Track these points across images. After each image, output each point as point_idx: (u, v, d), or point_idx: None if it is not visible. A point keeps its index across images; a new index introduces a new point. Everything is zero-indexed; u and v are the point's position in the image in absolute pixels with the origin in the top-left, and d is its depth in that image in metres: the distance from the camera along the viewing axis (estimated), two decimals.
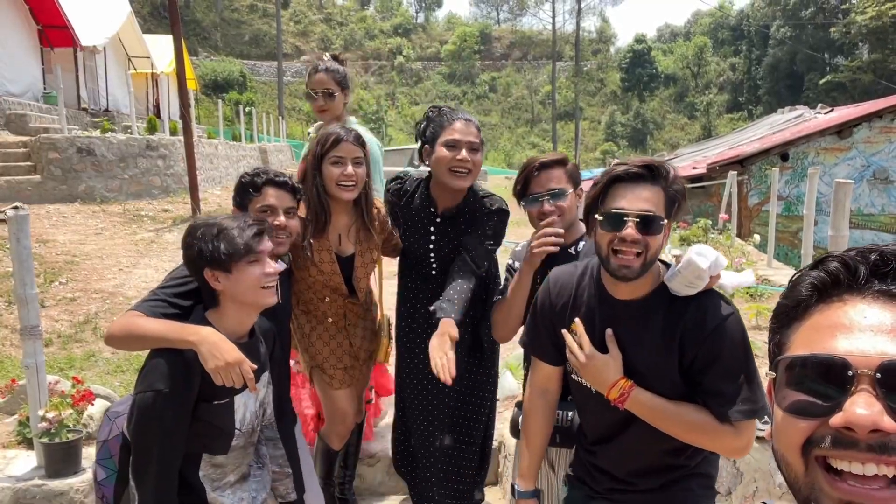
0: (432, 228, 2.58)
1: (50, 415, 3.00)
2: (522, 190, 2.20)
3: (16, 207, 2.72)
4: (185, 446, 1.74)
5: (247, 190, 2.14)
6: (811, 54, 43.63)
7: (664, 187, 1.61)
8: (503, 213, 2.57)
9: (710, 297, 1.64)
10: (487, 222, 2.53)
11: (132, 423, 1.72)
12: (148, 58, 19.09)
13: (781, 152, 11.53)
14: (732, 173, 10.02)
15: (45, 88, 14.44)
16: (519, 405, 2.30)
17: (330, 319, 2.62)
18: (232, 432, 1.82)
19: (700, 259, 1.57)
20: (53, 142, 10.12)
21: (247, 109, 22.36)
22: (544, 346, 1.86)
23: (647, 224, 1.57)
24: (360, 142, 2.44)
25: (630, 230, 1.56)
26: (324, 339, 2.64)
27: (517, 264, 2.29)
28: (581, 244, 2.19)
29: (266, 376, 1.94)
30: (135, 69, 18.93)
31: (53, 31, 14.72)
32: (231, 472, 1.87)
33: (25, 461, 3.15)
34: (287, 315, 2.40)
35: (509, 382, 4.16)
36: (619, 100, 49.89)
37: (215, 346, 1.71)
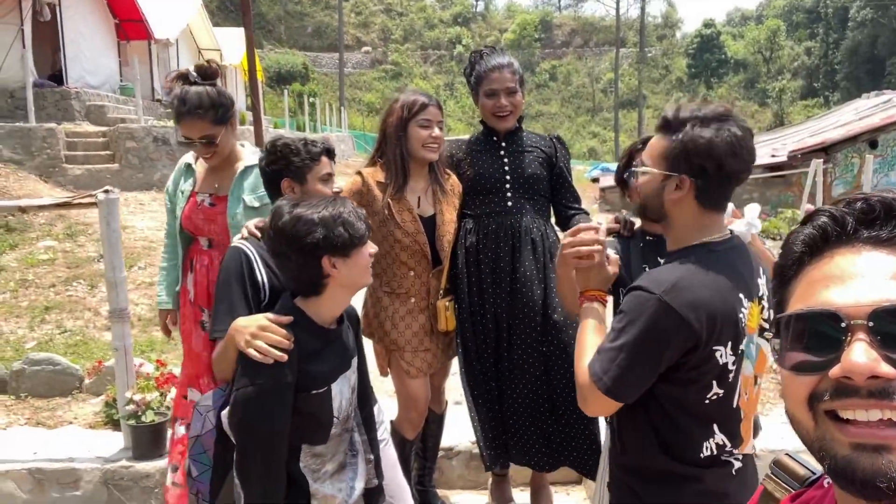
0: (502, 153, 2.71)
1: (136, 397, 3.03)
2: (626, 166, 2.08)
3: (106, 191, 2.74)
4: (287, 439, 1.69)
5: (304, 160, 2.07)
6: (894, 37, 40.94)
7: (669, 134, 1.52)
8: (561, 140, 2.86)
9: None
10: (553, 143, 2.79)
11: (235, 420, 1.68)
12: (218, 50, 19.58)
13: (870, 139, 10.82)
14: (816, 161, 9.44)
15: (121, 81, 14.98)
16: None
17: (413, 300, 2.61)
18: (331, 421, 1.77)
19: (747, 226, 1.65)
20: (131, 131, 10.48)
21: (310, 100, 22.68)
22: None
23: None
24: (440, 107, 2.62)
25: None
26: (406, 321, 2.61)
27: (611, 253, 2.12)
28: None
29: (355, 362, 1.89)
30: (205, 61, 19.46)
31: (129, 25, 15.24)
32: (329, 461, 1.82)
33: (113, 441, 3.20)
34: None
35: None
36: (685, 87, 48.24)
37: (236, 330, 1.71)
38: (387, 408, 2.62)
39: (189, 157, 2.65)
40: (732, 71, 48.62)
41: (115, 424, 3.42)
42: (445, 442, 3.20)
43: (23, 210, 3.15)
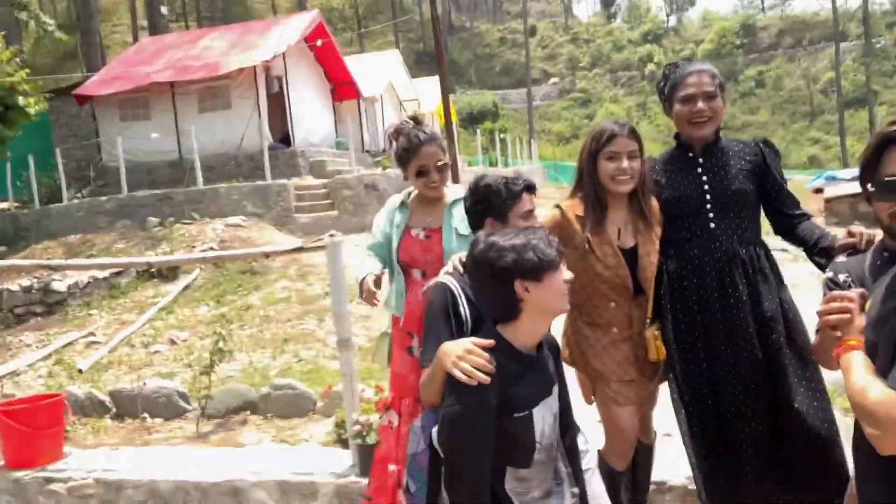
0: (700, 170, 2.53)
1: (361, 419, 3.35)
2: (872, 168, 1.63)
3: (332, 235, 3.11)
4: (492, 460, 1.76)
5: (504, 199, 2.18)
6: None
7: None
8: (769, 142, 2.60)
9: None
10: (760, 149, 2.55)
11: (443, 436, 1.78)
12: (416, 100, 21.18)
13: None
14: None
15: (336, 137, 16.82)
16: None
17: (615, 329, 2.54)
18: (533, 446, 1.81)
19: None
20: (346, 181, 11.72)
21: (501, 136, 23.41)
22: None
23: None
24: (633, 134, 2.46)
25: None
26: (609, 352, 2.55)
27: (842, 277, 1.85)
28: None
29: (556, 389, 1.92)
30: (405, 111, 21.11)
31: (342, 87, 17.09)
32: (535, 487, 1.86)
33: (343, 458, 3.56)
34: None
35: None
36: None
37: (444, 353, 1.81)
38: (594, 437, 2.59)
39: (401, 196, 2.89)
40: None
41: (343, 443, 3.79)
42: (657, 476, 3.05)
43: (267, 255, 3.68)
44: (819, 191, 15.74)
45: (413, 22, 50.16)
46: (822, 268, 2.23)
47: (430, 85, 20.43)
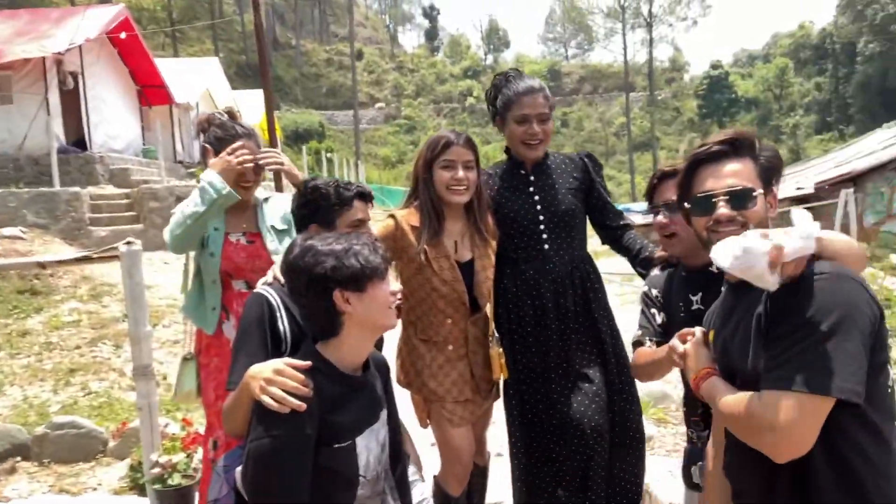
0: (532, 189, 2.54)
1: (162, 459, 2.87)
2: (687, 188, 1.88)
3: (129, 242, 2.65)
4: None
5: (332, 204, 1.98)
6: None
7: (753, 157, 1.51)
8: (592, 156, 2.67)
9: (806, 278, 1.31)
10: (584, 164, 2.60)
11: (247, 476, 1.50)
12: (237, 112, 20.04)
13: None
14: (846, 191, 9.24)
15: (144, 144, 15.32)
16: (691, 453, 1.98)
17: (450, 347, 2.44)
18: (356, 480, 1.59)
19: (719, 259, 1.36)
20: (154, 192, 10.60)
21: (328, 156, 23.02)
22: None
23: (740, 199, 1.46)
24: (470, 144, 2.39)
25: (722, 210, 1.46)
26: (445, 370, 2.45)
27: (654, 292, 2.09)
28: None
29: (384, 415, 1.71)
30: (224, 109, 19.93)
31: (151, 91, 15.66)
32: None
33: None
34: (381, 348, 2.19)
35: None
36: (697, 127, 48.42)
37: (251, 375, 1.56)
38: (429, 462, 2.43)
39: None
40: (744, 109, 48.78)
41: (141, 489, 3.25)
42: (491, 497, 2.99)
43: (42, 266, 3.07)
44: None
45: (234, 32, 48.01)
46: (644, 276, 2.38)
47: (253, 98, 19.47)
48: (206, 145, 2.49)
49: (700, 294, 1.91)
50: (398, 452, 1.82)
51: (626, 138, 45.31)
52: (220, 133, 2.44)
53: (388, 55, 57.13)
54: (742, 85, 49.99)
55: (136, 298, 2.86)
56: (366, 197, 2.06)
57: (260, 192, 2.63)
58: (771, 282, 1.28)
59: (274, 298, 1.82)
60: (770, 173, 1.52)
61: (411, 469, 2.13)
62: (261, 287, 1.89)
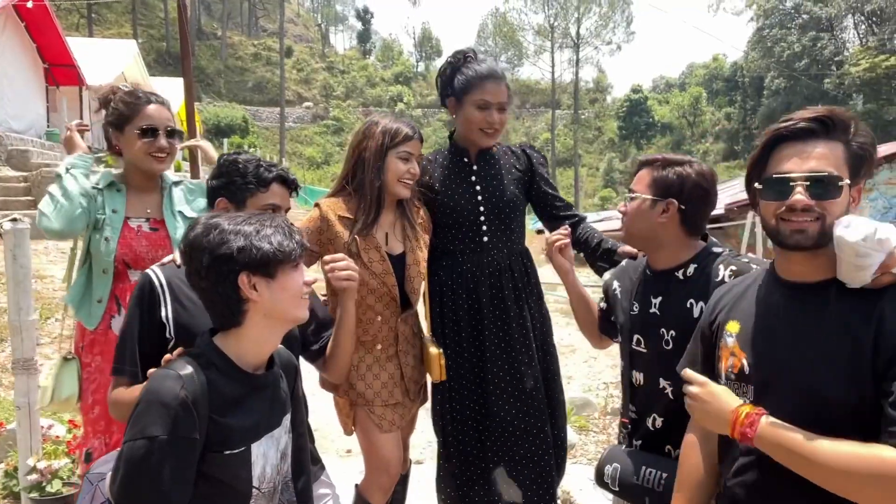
0: (473, 178, 2.45)
1: (41, 464, 2.57)
2: (761, 167, 1.83)
3: (14, 220, 2.36)
4: None
5: (247, 182, 1.80)
6: (806, 104, 44.21)
7: (845, 141, 1.32)
8: (534, 148, 2.60)
9: None
10: (527, 156, 2.54)
11: (117, 481, 1.30)
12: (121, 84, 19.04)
13: None
14: (753, 213, 9.75)
15: (48, 126, 14.27)
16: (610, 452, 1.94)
17: (379, 346, 2.30)
18: (249, 491, 1.41)
19: (847, 232, 1.25)
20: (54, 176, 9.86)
21: (250, 151, 22.32)
22: (703, 375, 1.51)
23: (822, 186, 1.29)
24: (421, 139, 2.32)
25: (799, 196, 1.29)
26: (374, 371, 2.31)
27: (616, 286, 2.01)
28: (691, 268, 1.78)
29: (287, 420, 1.54)
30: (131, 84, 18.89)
31: (60, 70, 14.66)
32: None
33: None
34: (298, 346, 2.04)
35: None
36: (616, 147, 50.40)
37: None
38: (342, 470, 2.27)
39: (103, 175, 2.31)
40: (660, 133, 51.19)
41: (16, 497, 2.91)
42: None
43: None
44: (540, 231, 17.97)
45: (156, 17, 45.90)
46: (601, 273, 2.31)
47: (172, 86, 18.55)
48: (108, 126, 2.25)
49: (660, 298, 1.80)
50: (302, 463, 1.64)
51: (550, 153, 46.51)
52: (126, 99, 2.21)
53: (319, 54, 56.22)
54: (659, 110, 52.46)
55: (20, 283, 2.55)
56: (287, 182, 1.88)
57: (171, 175, 2.40)
58: (864, 279, 1.23)
59: (158, 279, 1.66)
60: (860, 162, 1.33)
61: (324, 478, 1.97)
62: (152, 267, 1.73)
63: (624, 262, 2.08)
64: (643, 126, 50.12)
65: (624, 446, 1.91)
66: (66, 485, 2.59)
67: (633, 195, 1.81)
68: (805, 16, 45.11)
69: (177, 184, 2.40)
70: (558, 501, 2.75)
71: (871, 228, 1.24)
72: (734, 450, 1.41)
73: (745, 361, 1.38)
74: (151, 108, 2.20)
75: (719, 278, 1.72)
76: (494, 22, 59.72)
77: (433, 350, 2.31)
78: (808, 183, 1.29)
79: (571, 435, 3.61)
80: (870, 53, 39.97)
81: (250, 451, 1.40)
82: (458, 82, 2.38)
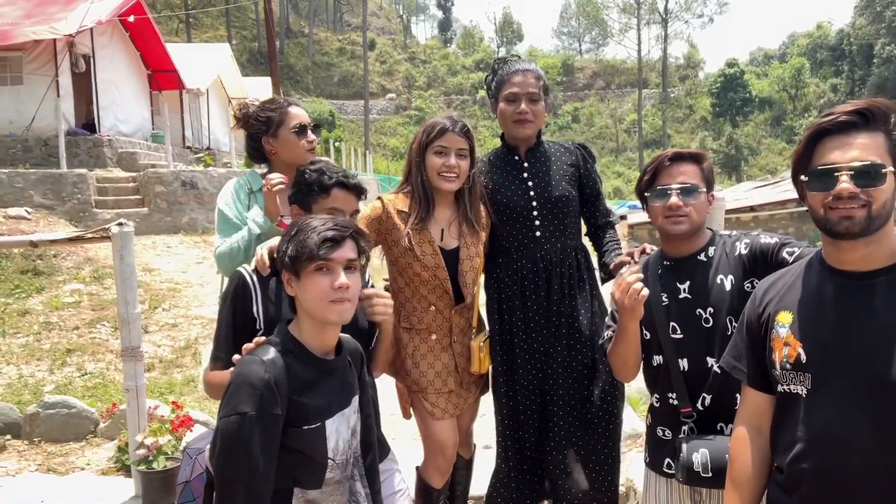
0: (525, 175, 2.51)
1: (148, 441, 2.86)
2: (649, 182, 1.93)
3: (120, 224, 2.63)
4: (275, 479, 1.52)
5: (311, 188, 1.97)
6: None
7: (886, 131, 1.37)
8: (586, 147, 2.64)
9: None
10: (579, 153, 2.59)
11: (215, 452, 1.50)
12: (246, 98, 20.03)
13: None
14: None
15: (153, 128, 15.33)
16: (665, 445, 1.93)
17: (434, 336, 2.40)
18: (325, 462, 1.59)
19: None
20: (160, 176, 10.62)
21: (336, 145, 22.99)
22: (750, 368, 1.55)
23: (866, 175, 1.33)
24: (465, 132, 2.35)
25: (845, 185, 1.33)
26: (428, 360, 2.41)
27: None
28: (711, 250, 1.88)
29: (356, 401, 1.71)
30: (234, 109, 19.90)
31: (161, 76, 15.67)
32: None
33: (123, 489, 3.02)
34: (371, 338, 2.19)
35: (629, 419, 3.72)
36: (709, 126, 48.05)
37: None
38: (413, 453, 2.41)
39: (246, 179, 2.47)
40: (758, 109, 48.35)
41: (127, 471, 3.25)
42: (475, 490, 2.96)
43: (34, 245, 3.04)
44: (623, 217, 17.48)
45: (248, 20, 48.01)
46: (603, 281, 2.45)
47: (263, 85, 19.48)
48: (260, 134, 2.40)
49: (688, 282, 1.86)
50: (370, 441, 1.80)
51: (637, 135, 45.05)
52: (272, 107, 2.40)
53: (401, 46, 56.96)
54: (757, 84, 49.50)
55: (126, 279, 2.84)
56: (350, 187, 1.99)
57: None
58: None
59: (250, 277, 1.84)
60: None
61: (390, 457, 2.11)
62: (243, 266, 1.91)
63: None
64: (739, 102, 47.48)
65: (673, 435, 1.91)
66: (169, 459, 2.87)
67: (700, 189, 1.87)
68: None
69: None
70: (622, 488, 2.77)
71: None
72: (792, 435, 1.41)
73: (800, 351, 1.40)
74: (294, 109, 2.40)
75: (737, 252, 1.84)
76: (578, 1, 58.23)
77: (472, 343, 2.40)
78: (852, 172, 1.33)
79: (637, 423, 3.59)
80: None
81: (325, 427, 1.57)
82: (493, 84, 2.52)
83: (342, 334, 1.71)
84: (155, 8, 30.60)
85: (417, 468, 2.56)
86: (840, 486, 1.33)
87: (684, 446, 1.81)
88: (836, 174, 1.34)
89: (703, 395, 1.84)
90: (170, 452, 2.91)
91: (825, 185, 1.36)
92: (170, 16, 36.89)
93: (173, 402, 3.45)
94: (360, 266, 1.68)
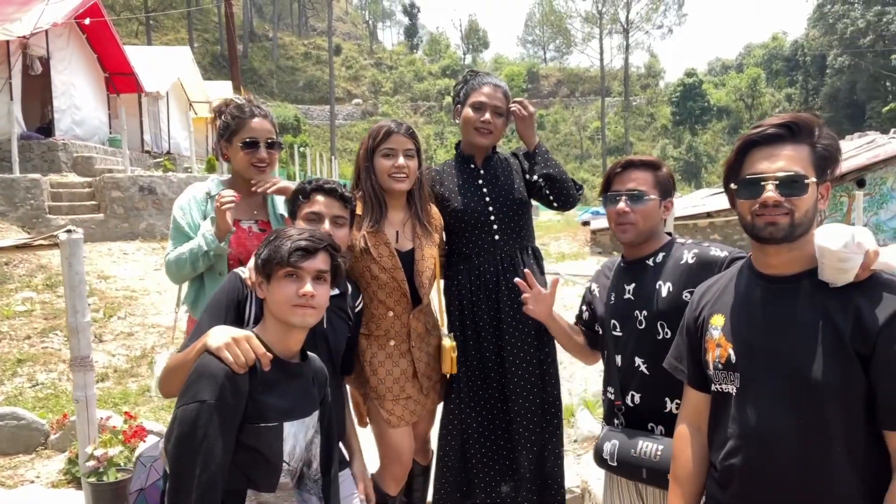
0: (481, 182, 2.59)
1: (98, 452, 2.81)
2: (604, 189, 2.04)
3: (69, 231, 2.59)
4: (229, 478, 1.53)
5: (296, 196, 2.08)
6: (872, 82, 42.10)
7: (810, 143, 1.44)
8: (516, 154, 2.71)
9: (883, 284, 1.37)
10: (517, 157, 2.68)
11: (171, 441, 1.50)
12: (208, 102, 19.73)
13: (857, 178, 10.89)
14: None
15: (110, 132, 15.00)
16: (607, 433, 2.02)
17: (392, 342, 2.42)
18: (279, 464, 1.61)
19: (829, 241, 1.36)
20: (116, 181, 10.38)
21: (301, 150, 22.79)
22: (690, 368, 1.63)
23: (790, 185, 1.41)
24: (410, 133, 2.41)
25: (770, 193, 1.41)
26: (386, 367, 2.42)
27: (595, 287, 2.16)
28: (660, 255, 1.95)
29: (316, 416, 1.72)
30: (196, 114, 19.55)
31: (119, 78, 15.33)
32: None
33: (74, 502, 2.96)
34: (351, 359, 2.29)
35: (587, 422, 3.79)
36: (670, 133, 49.18)
37: (221, 331, 1.61)
38: (369, 461, 2.41)
39: (207, 185, 2.47)
40: (716, 118, 49.67)
41: (78, 483, 3.18)
42: (432, 496, 2.98)
43: None
44: (586, 223, 17.74)
45: (210, 22, 47.37)
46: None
47: (224, 89, 19.21)
48: (219, 137, 2.43)
49: (633, 284, 1.95)
50: (330, 457, 1.81)
51: (600, 142, 45.79)
52: (235, 112, 2.39)
53: (367, 51, 56.90)
54: (715, 93, 50.87)
55: (75, 288, 2.78)
56: (329, 192, 2.05)
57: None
58: (847, 279, 1.35)
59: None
60: (826, 163, 1.45)
61: (345, 473, 2.12)
62: (241, 268, 1.96)
63: (599, 266, 2.22)
64: (698, 111, 48.73)
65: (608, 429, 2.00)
66: (119, 471, 2.82)
67: (648, 196, 1.93)
68: None
69: None
70: (577, 490, 2.84)
71: (849, 234, 1.35)
72: (724, 432, 1.49)
73: (731, 351, 1.48)
74: (255, 121, 2.37)
75: (683, 261, 1.90)
76: (541, 10, 58.97)
77: (446, 343, 2.44)
78: (777, 182, 1.41)
79: (593, 425, 3.67)
80: None
81: (282, 428, 1.60)
82: (462, 92, 2.60)
83: (311, 353, 1.76)
84: (114, 10, 29.99)
85: (373, 475, 2.57)
86: (767, 480, 1.40)
87: (602, 434, 1.96)
88: (762, 183, 1.42)
89: (632, 392, 1.93)
90: (122, 464, 2.86)
91: (752, 193, 1.44)
92: (129, 18, 36.14)
93: (126, 413, 3.39)
94: (336, 278, 1.74)
